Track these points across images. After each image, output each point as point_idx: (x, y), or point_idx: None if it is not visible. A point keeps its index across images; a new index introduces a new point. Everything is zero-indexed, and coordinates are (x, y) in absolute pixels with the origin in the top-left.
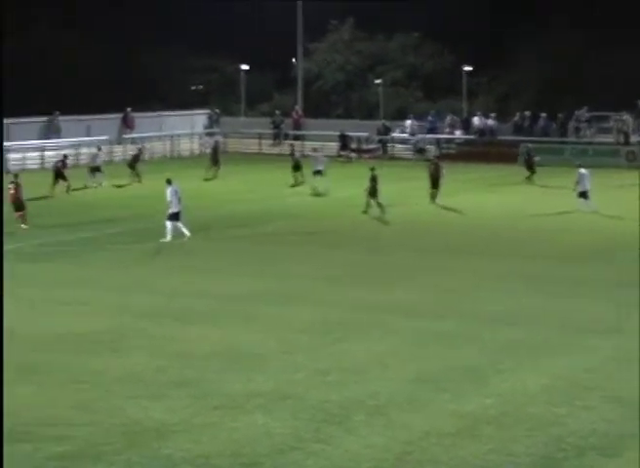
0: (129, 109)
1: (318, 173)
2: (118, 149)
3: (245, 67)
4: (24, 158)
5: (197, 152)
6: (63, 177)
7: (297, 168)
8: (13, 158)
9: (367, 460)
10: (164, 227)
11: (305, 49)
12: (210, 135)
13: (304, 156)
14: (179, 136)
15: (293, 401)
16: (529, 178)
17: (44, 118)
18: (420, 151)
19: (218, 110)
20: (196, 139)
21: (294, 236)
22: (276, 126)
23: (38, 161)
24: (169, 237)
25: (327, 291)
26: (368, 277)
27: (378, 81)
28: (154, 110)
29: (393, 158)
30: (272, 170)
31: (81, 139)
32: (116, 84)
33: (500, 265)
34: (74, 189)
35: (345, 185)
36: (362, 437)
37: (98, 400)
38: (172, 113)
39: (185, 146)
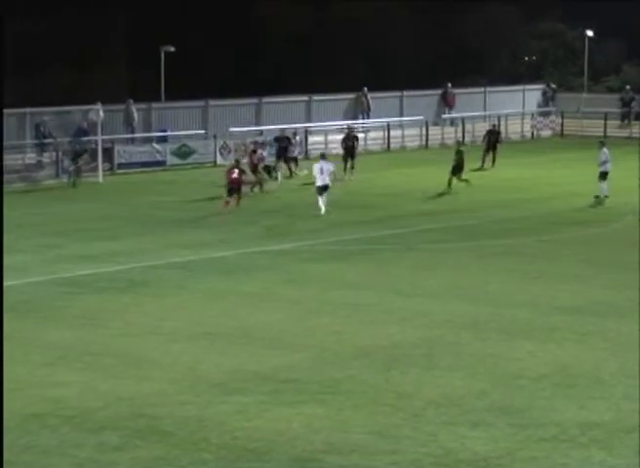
0: (449, 85)
1: None
2: (435, 131)
3: (589, 33)
4: (327, 141)
5: (528, 135)
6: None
7: None
8: (313, 141)
9: None
10: None
11: None
12: (544, 114)
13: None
14: (507, 115)
15: (636, 434)
16: None
17: (350, 95)
18: None
19: (554, 85)
20: (528, 120)
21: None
22: (625, 103)
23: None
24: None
25: None
26: None
27: None
28: (478, 85)
29: None
30: (618, 156)
31: (392, 119)
32: (432, 55)
33: None
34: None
35: None
36: None
37: (403, 425)
38: (499, 89)
39: (515, 128)
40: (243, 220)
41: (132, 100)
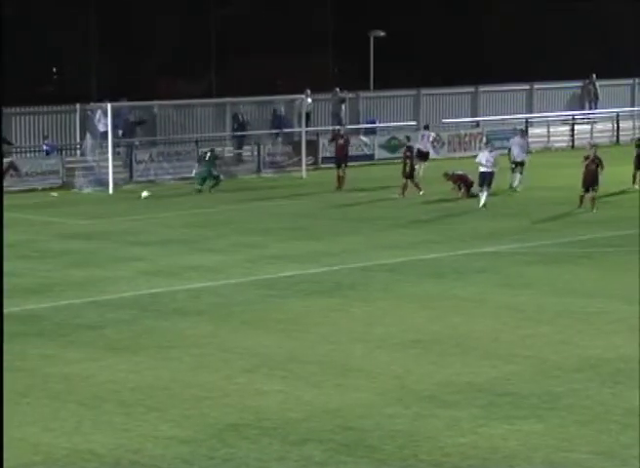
0: None
1: None
2: None
3: None
4: (549, 134)
5: None
6: None
7: None
8: (535, 134)
9: None
10: None
11: None
12: None
13: None
14: None
15: None
16: None
17: (577, 83)
18: None
19: None
20: None
21: None
22: None
23: (567, 137)
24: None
25: None
26: None
27: None
28: None
29: None
30: None
31: (623, 110)
32: None
33: None
34: None
35: None
36: None
37: (633, 445)
38: None
39: None
40: (452, 220)
41: (339, 89)
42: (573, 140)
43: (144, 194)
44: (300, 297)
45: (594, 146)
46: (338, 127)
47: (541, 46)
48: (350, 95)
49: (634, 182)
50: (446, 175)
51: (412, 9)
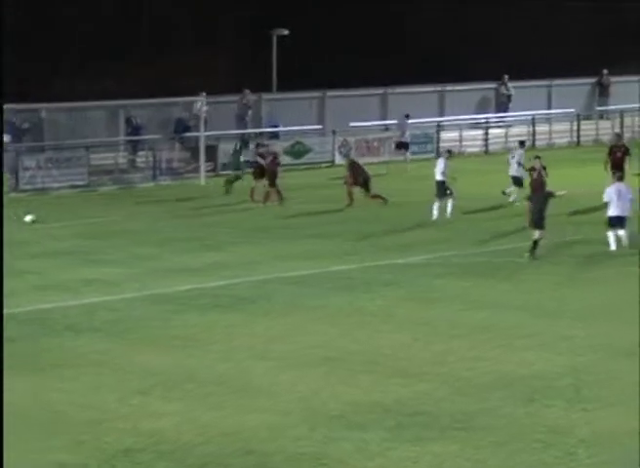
0: (605, 72)
1: None
2: (588, 126)
3: None
4: (461, 138)
5: None
6: None
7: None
8: (447, 138)
9: None
10: None
11: None
12: None
13: None
14: None
15: None
16: None
17: (489, 84)
18: None
19: None
20: None
21: None
22: None
23: (480, 141)
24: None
25: None
26: None
27: None
28: (635, 73)
29: None
30: None
31: (538, 112)
32: (586, 36)
33: None
34: None
35: None
36: None
37: (558, 464)
38: None
39: None
40: (362, 229)
41: (249, 91)
42: (487, 145)
43: (28, 218)
44: (199, 313)
45: (538, 157)
46: (264, 143)
47: (454, 46)
48: (253, 97)
49: None
50: (347, 158)
51: (317, 6)
